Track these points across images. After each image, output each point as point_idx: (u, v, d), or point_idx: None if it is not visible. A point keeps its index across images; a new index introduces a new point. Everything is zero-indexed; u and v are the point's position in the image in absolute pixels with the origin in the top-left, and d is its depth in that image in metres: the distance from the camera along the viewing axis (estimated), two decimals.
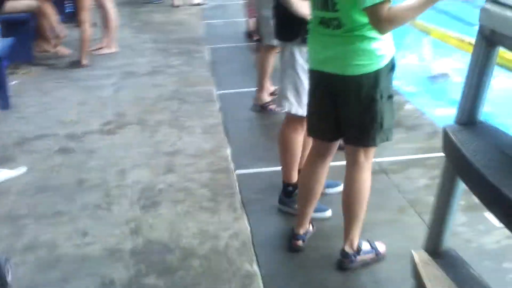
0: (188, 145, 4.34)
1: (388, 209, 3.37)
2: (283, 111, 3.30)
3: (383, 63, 2.53)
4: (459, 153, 1.77)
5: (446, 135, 1.91)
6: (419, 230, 3.13)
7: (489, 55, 1.72)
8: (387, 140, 2.69)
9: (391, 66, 2.59)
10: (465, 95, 1.87)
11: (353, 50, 2.50)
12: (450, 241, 2.21)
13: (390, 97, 2.62)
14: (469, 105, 1.86)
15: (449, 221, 2.08)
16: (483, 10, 1.67)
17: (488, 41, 1.70)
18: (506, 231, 2.98)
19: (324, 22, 2.55)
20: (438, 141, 4.26)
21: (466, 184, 1.81)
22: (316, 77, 2.72)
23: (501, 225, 2.97)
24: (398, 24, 2.33)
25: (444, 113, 5.33)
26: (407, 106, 4.99)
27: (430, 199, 3.46)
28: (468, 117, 1.89)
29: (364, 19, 2.41)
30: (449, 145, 1.88)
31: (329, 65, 2.59)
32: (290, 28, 3.09)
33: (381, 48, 2.51)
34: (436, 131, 4.48)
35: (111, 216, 3.37)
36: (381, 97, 2.57)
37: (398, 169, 3.86)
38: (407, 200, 3.48)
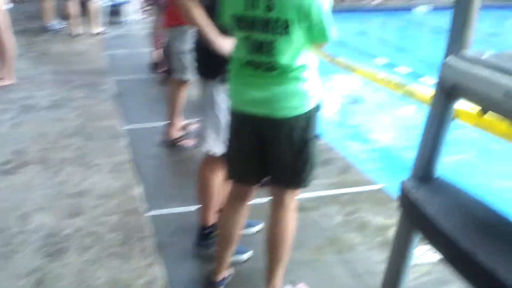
0: (96, 185, 4.11)
1: (308, 247, 3.32)
2: (202, 151, 3.19)
3: (313, 103, 2.51)
4: (420, 212, 1.73)
5: (404, 191, 1.87)
6: (340, 270, 3.11)
7: (447, 108, 1.69)
8: (314, 179, 2.66)
9: (319, 106, 2.57)
10: (422, 149, 1.82)
11: (287, 92, 2.44)
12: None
13: (318, 137, 2.61)
14: (427, 159, 1.82)
15: (404, 273, 2.04)
16: (446, 65, 1.62)
17: (448, 94, 1.66)
18: (424, 267, 3.05)
19: (253, 64, 2.46)
20: (350, 176, 4.44)
21: (431, 243, 1.76)
22: (241, 119, 2.62)
23: (420, 261, 3.03)
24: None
25: (355, 148, 5.46)
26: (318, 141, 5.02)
27: (348, 236, 3.50)
28: (426, 172, 1.85)
29: (301, 61, 2.39)
30: (407, 202, 1.83)
31: (259, 107, 2.50)
32: (211, 65, 2.99)
33: (313, 88, 2.49)
34: (348, 165, 4.54)
35: (13, 266, 3.09)
36: (312, 137, 2.55)
37: (314, 206, 3.83)
38: (326, 238, 3.45)
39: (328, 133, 5.37)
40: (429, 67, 8.84)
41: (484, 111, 1.51)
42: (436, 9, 14.55)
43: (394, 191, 4.10)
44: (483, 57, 1.50)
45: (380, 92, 5.98)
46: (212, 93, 3.03)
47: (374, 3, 14.43)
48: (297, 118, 2.47)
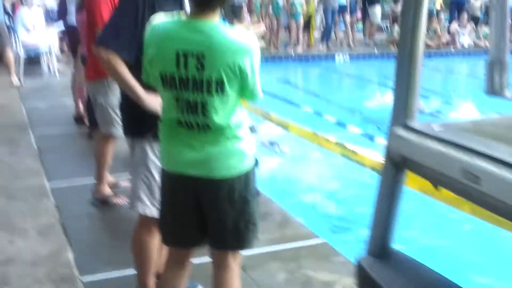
0: (22, 250, 3.84)
1: None
2: (137, 213, 3.04)
3: (251, 162, 2.47)
4: None
5: (361, 270, 1.80)
6: None
7: (398, 180, 1.63)
8: (257, 238, 2.58)
9: (255, 163, 2.53)
10: (375, 224, 1.76)
11: (224, 152, 2.39)
12: None
13: (258, 194, 2.56)
14: (381, 233, 1.77)
15: None
16: (394, 136, 1.57)
17: (398, 166, 1.61)
18: None
19: (186, 124, 2.39)
20: (290, 230, 4.37)
21: None
22: (175, 180, 2.51)
23: None
24: None
25: (293, 200, 5.41)
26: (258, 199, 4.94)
27: None
28: (381, 247, 1.79)
29: (236, 120, 2.36)
30: (365, 280, 1.76)
31: (195, 168, 2.42)
32: (140, 122, 2.87)
33: (249, 146, 2.45)
34: (287, 219, 4.47)
35: None
36: (252, 196, 2.49)
37: (255, 264, 3.71)
38: None
39: (265, 186, 5.32)
40: (353, 115, 9.07)
41: (436, 186, 1.47)
42: (354, 58, 15.06)
43: (336, 244, 4.09)
44: (434, 129, 1.46)
45: (314, 145, 6.00)
46: (143, 151, 2.91)
47: (297, 51, 14.73)
48: (235, 177, 2.42)
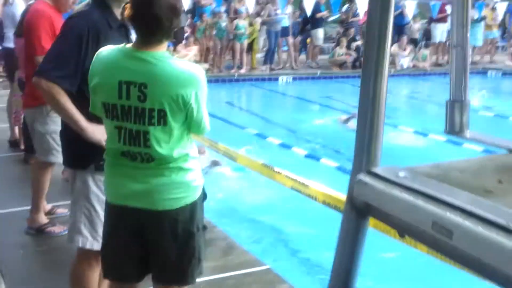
0: None
1: None
2: (76, 245, 2.92)
3: (197, 194, 2.41)
4: None
5: None
6: None
7: (361, 226, 1.55)
8: (201, 273, 2.52)
9: (203, 195, 2.49)
10: (336, 271, 1.67)
11: (168, 183, 2.31)
12: None
13: (204, 228, 2.53)
14: (342, 281, 1.68)
15: None
16: (358, 182, 1.48)
17: (361, 212, 1.54)
18: None
19: (129, 155, 2.32)
20: (235, 257, 4.27)
21: None
22: (118, 212, 2.43)
23: None
24: None
25: (236, 226, 5.32)
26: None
27: None
28: None
29: (180, 151, 2.30)
30: None
31: (138, 200, 2.34)
32: (82, 154, 2.78)
33: (195, 178, 2.39)
34: (231, 245, 4.37)
35: None
36: (197, 229, 2.42)
37: None
38: None
39: (209, 211, 5.22)
40: (296, 137, 9.09)
41: (402, 235, 1.41)
42: (297, 79, 15.18)
43: (281, 271, 4.02)
44: (399, 176, 1.39)
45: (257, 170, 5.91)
46: (84, 183, 2.83)
47: (240, 72, 14.75)
48: (180, 210, 2.35)
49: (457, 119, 1.66)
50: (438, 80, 15.03)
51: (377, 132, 1.40)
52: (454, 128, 1.66)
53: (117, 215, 2.45)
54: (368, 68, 1.40)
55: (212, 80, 13.39)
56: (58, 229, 4.47)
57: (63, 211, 4.72)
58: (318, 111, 11.34)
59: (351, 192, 1.48)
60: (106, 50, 2.37)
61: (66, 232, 4.22)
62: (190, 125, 2.33)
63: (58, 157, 4.09)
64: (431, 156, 7.55)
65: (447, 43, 17.07)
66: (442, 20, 16.63)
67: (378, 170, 1.41)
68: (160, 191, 2.31)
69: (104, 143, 2.60)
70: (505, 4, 17.33)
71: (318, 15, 15.62)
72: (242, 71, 14.81)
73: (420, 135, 8.30)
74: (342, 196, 3.95)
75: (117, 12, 2.80)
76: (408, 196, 1.28)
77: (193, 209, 2.38)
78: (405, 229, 1.34)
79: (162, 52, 2.28)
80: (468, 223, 1.13)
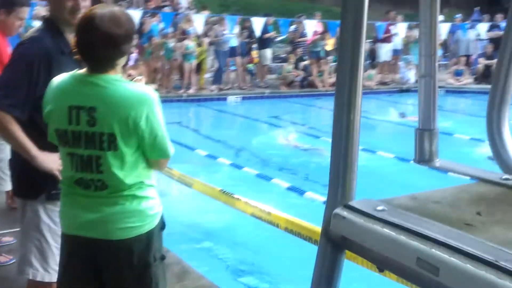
0: None
1: None
2: (26, 277, 2.80)
3: (155, 222, 2.32)
4: None
5: None
6: None
7: (337, 259, 1.49)
8: None
9: (162, 224, 2.39)
10: None
11: (122, 212, 2.23)
12: None
13: (162, 258, 2.41)
14: None
15: None
16: (335, 216, 1.43)
17: (337, 246, 1.48)
18: None
19: (82, 183, 2.24)
20: (190, 283, 4.16)
21: None
22: (73, 243, 2.34)
23: None
24: None
25: (190, 248, 5.22)
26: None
27: None
28: None
29: (135, 178, 2.22)
30: None
31: (91, 229, 2.25)
32: (33, 183, 2.68)
33: (152, 206, 2.31)
34: (186, 270, 4.27)
35: None
36: (155, 259, 2.33)
37: None
38: None
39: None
40: (249, 158, 9.06)
41: (381, 269, 1.37)
42: (246, 99, 15.21)
43: None
44: (376, 209, 1.35)
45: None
46: (35, 213, 2.72)
47: (189, 92, 14.66)
48: (136, 239, 2.26)
49: (426, 148, 1.64)
50: (384, 98, 15.35)
51: (352, 163, 1.35)
52: (424, 157, 1.64)
53: (71, 245, 2.36)
54: (340, 97, 1.36)
55: (161, 101, 13.24)
56: (4, 258, 4.28)
57: (9, 239, 4.55)
58: (267, 130, 11.35)
59: (327, 225, 1.43)
60: (59, 77, 2.31)
61: (12, 262, 4.13)
62: (147, 149, 2.25)
63: (4, 186, 3.96)
64: (385, 175, 7.65)
65: (391, 62, 17.55)
66: (387, 40, 17.02)
67: (355, 203, 1.37)
68: (113, 220, 2.23)
69: (56, 172, 2.55)
70: (448, 24, 17.89)
71: (266, 35, 15.75)
72: (191, 91, 14.73)
73: (369, 152, 8.39)
74: (305, 223, 3.91)
75: (70, 37, 2.73)
76: (389, 231, 1.24)
77: (149, 238, 2.29)
78: (385, 264, 1.30)
79: (113, 76, 2.22)
80: (455, 260, 1.10)
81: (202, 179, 6.31)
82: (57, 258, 2.70)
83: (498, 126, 1.73)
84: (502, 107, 1.73)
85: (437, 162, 1.63)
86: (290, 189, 6.72)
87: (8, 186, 4.28)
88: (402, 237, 1.21)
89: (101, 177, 2.20)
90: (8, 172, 4.27)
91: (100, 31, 2.13)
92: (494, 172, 1.66)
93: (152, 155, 2.28)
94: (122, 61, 2.26)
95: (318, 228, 3.49)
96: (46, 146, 2.55)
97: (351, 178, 1.37)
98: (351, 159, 1.35)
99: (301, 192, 6.47)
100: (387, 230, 1.24)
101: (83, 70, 2.27)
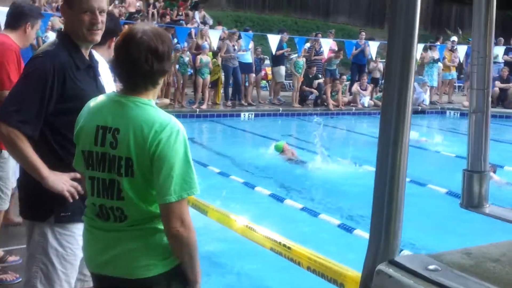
0: None
1: None
2: None
3: (175, 258, 2.14)
4: None
5: None
6: None
7: None
8: None
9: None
10: None
11: (142, 248, 2.08)
12: None
13: None
14: None
15: None
16: (379, 273, 1.24)
17: None
18: None
19: (102, 214, 2.10)
20: None
21: None
22: (96, 281, 2.25)
23: None
24: None
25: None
26: None
27: None
28: None
29: (156, 209, 2.06)
30: None
31: (110, 267, 2.12)
32: (41, 204, 2.56)
33: None
34: None
35: None
36: None
37: None
38: None
39: None
40: (262, 177, 8.91)
41: None
42: (259, 115, 15.10)
43: None
44: (428, 269, 1.16)
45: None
46: (42, 236, 2.60)
47: (202, 108, 14.55)
48: (156, 278, 2.09)
49: (475, 192, 1.45)
50: None
51: (397, 211, 1.19)
52: (472, 202, 1.46)
53: (97, 283, 2.27)
54: (386, 136, 1.20)
55: (173, 115, 13.16)
56: (10, 277, 4.20)
57: (15, 258, 4.46)
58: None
59: (367, 281, 1.25)
60: (97, 97, 2.24)
61: (19, 281, 4.02)
62: (155, 186, 2.04)
63: (2, 205, 4.06)
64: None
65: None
66: None
67: (402, 259, 1.20)
68: (132, 257, 2.09)
69: (66, 193, 2.46)
70: (465, 46, 17.70)
71: (279, 52, 15.64)
72: (203, 106, 14.62)
73: None
74: (330, 263, 3.43)
75: (86, 52, 2.62)
76: None
77: (171, 275, 2.12)
78: None
79: (144, 99, 2.10)
80: None
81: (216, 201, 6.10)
82: (64, 284, 2.59)
83: None
84: None
85: (487, 208, 1.45)
86: (303, 209, 6.59)
87: (6, 205, 4.29)
88: None
89: (120, 204, 2.07)
90: (7, 191, 4.21)
91: (144, 45, 2.02)
92: None
93: (170, 189, 2.00)
94: (160, 81, 2.15)
95: (345, 270, 3.18)
96: (57, 164, 2.47)
97: (396, 228, 1.20)
98: (397, 205, 1.19)
99: (315, 214, 6.34)
100: None
101: (118, 91, 2.19)
